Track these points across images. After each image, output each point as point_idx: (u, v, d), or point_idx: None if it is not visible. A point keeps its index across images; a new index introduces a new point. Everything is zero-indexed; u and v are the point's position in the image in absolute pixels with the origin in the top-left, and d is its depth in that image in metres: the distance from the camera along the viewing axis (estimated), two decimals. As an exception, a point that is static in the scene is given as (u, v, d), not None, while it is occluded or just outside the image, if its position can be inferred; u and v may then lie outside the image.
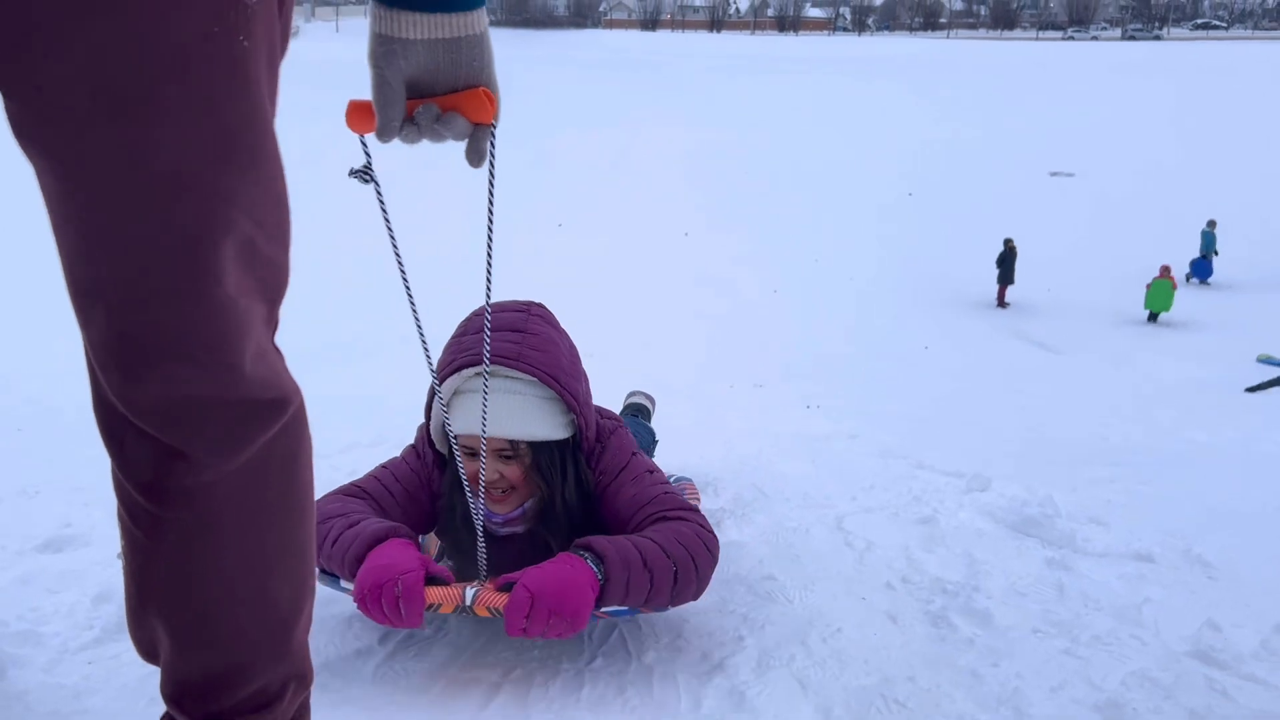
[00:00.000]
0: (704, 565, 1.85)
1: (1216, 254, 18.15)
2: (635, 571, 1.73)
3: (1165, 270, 16.05)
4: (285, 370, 1.10)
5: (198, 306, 0.94)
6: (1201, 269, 18.11)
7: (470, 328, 2.04)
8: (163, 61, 0.86)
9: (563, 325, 2.21)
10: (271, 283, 1.05)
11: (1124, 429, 5.08)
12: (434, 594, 1.69)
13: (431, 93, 1.10)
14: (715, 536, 1.93)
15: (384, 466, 2.13)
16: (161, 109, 0.87)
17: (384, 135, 1.09)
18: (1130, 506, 2.79)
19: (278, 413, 1.06)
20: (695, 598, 1.87)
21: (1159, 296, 15.82)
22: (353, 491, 2.03)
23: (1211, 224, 18.42)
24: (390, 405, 6.01)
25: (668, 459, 3.43)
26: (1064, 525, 2.54)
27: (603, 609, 1.78)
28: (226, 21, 0.88)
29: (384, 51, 1.07)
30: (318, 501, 2.36)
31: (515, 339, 1.94)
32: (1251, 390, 11.76)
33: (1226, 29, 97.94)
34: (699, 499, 2.60)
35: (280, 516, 1.12)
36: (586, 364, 2.15)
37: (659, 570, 1.76)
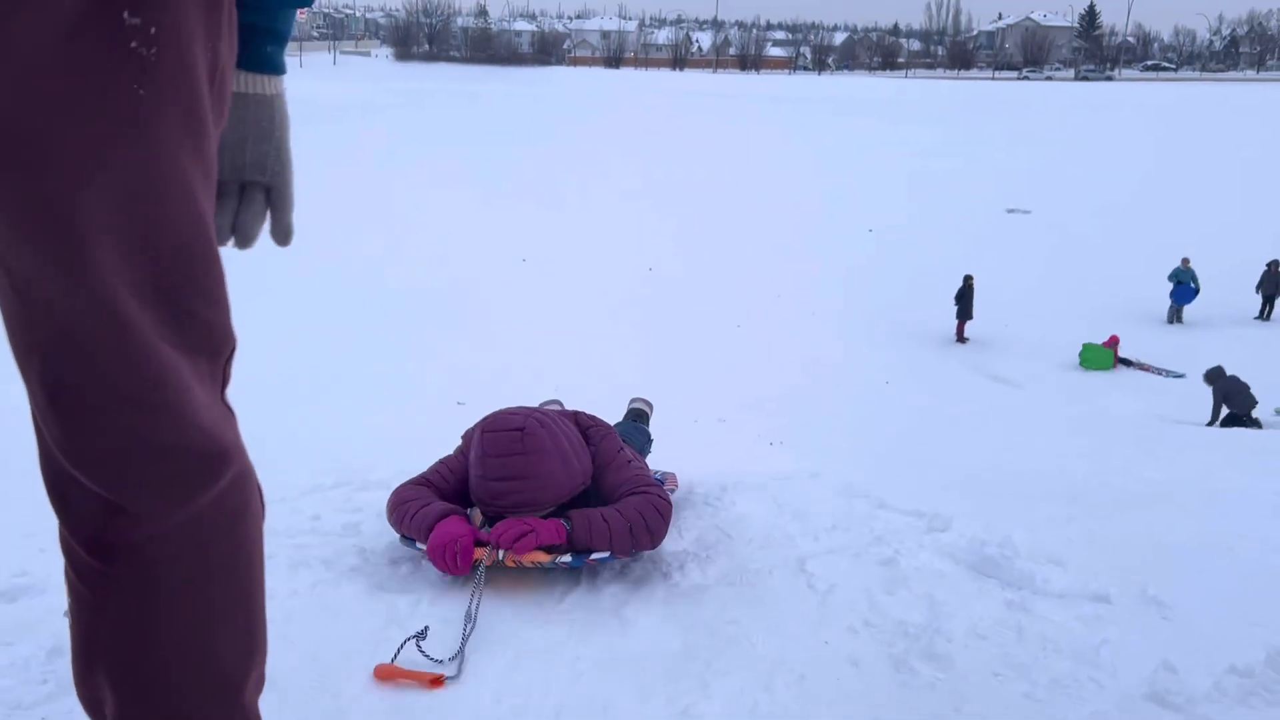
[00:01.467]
0: (655, 523, 2.54)
1: (1196, 287, 18.49)
2: (595, 525, 2.46)
3: (1113, 341, 16.14)
4: (232, 429, 1.09)
5: (128, 357, 0.93)
6: (1184, 294, 18.40)
7: (488, 473, 2.59)
8: (47, 106, 0.83)
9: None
10: (209, 341, 1.03)
11: (1081, 466, 5.15)
12: (478, 553, 2.41)
13: (220, 155, 1.08)
14: (668, 502, 2.62)
15: (442, 461, 2.88)
16: (51, 158, 0.85)
17: None
18: (1087, 545, 2.82)
19: (220, 467, 1.04)
20: (653, 546, 2.57)
21: (1095, 358, 15.97)
22: (421, 481, 2.79)
23: (1185, 262, 18.81)
24: (354, 445, 5.97)
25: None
26: (1023, 565, 2.56)
27: (591, 556, 2.45)
28: (111, 65, 0.86)
29: None
30: (398, 488, 2.74)
31: (516, 486, 2.53)
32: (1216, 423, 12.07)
33: (1175, 70, 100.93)
34: (677, 487, 3.44)
35: (227, 575, 1.10)
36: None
37: (615, 525, 2.47)
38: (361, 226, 23.08)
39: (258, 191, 1.13)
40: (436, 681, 1.94)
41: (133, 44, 0.86)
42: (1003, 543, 2.69)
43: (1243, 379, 12.40)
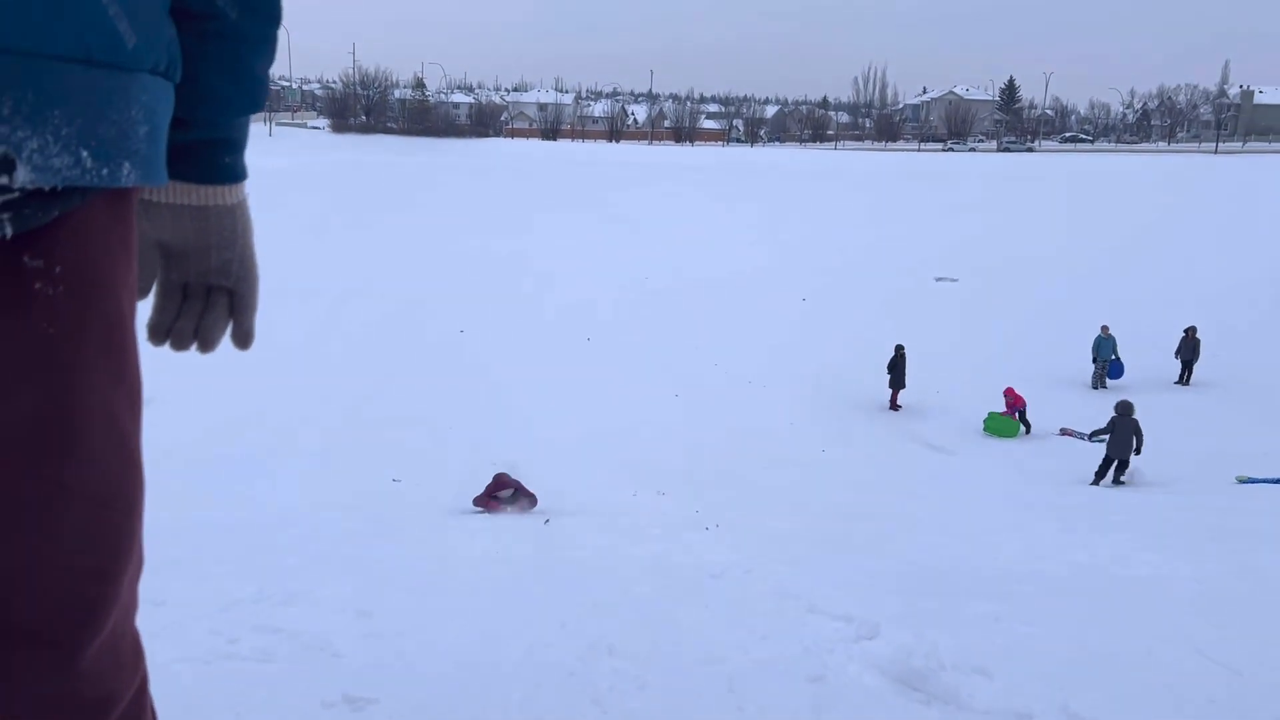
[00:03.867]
0: None
1: (1117, 356, 19.03)
2: None
3: (1009, 394, 16.45)
4: (131, 658, 1.02)
5: (15, 583, 0.88)
6: (1115, 370, 18.95)
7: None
8: None
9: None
10: (115, 559, 0.97)
11: (1009, 550, 5.24)
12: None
13: (184, 261, 1.08)
14: None
15: None
16: None
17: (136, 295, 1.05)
18: (1012, 652, 2.86)
19: (104, 713, 0.98)
20: None
21: (999, 427, 16.30)
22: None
23: (1104, 329, 19.37)
24: (281, 541, 5.82)
25: (567, 598, 3.39)
26: (949, 679, 2.59)
27: None
28: (14, 307, 0.83)
29: (139, 213, 1.03)
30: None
31: None
32: None
33: (1092, 142, 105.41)
34: None
35: None
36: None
37: None
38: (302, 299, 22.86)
39: (221, 296, 1.12)
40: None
41: (36, 285, 0.85)
42: (929, 652, 2.71)
43: (1140, 428, 12.93)
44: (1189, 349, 19.16)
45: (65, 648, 0.92)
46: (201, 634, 2.94)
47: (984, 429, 16.49)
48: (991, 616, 3.33)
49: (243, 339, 1.15)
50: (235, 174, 1.10)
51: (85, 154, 0.82)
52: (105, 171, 0.84)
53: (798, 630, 3.01)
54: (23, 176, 0.77)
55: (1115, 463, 13.07)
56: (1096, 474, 13.22)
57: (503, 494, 9.66)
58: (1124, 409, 13.21)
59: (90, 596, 0.94)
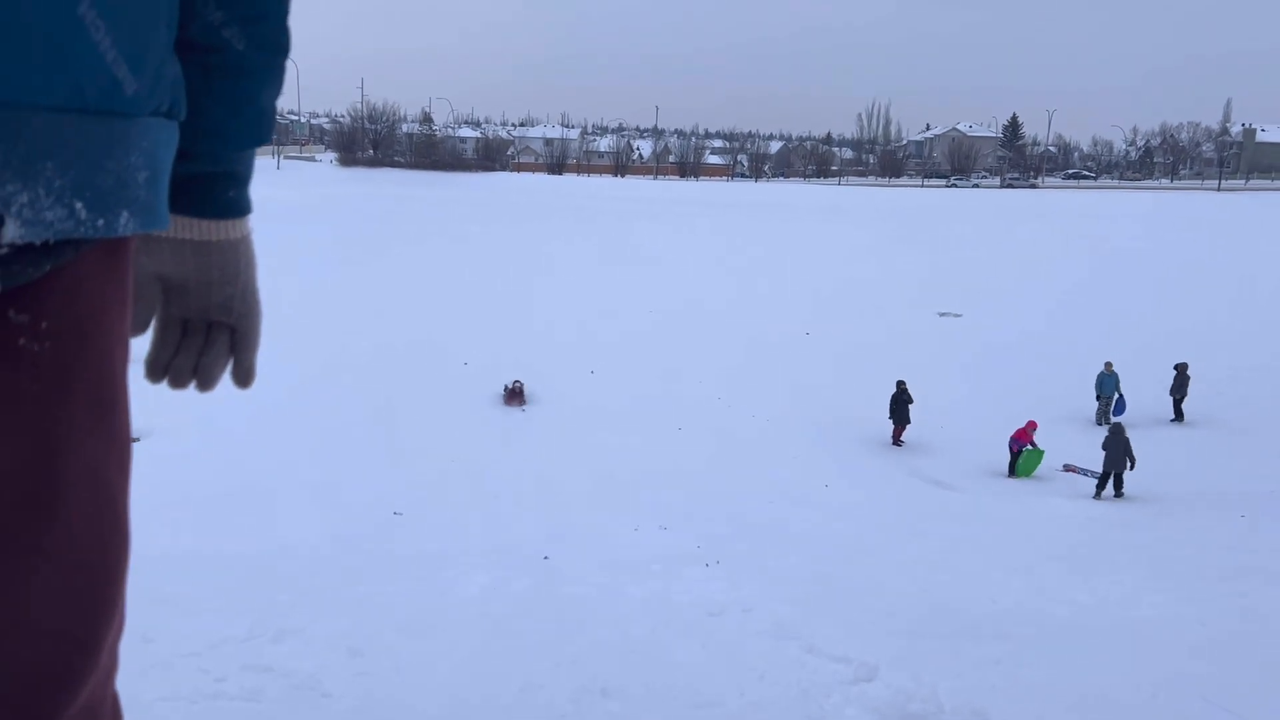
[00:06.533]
0: None
1: (1120, 393, 19.00)
2: None
3: (1031, 428, 16.42)
4: None
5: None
6: (1119, 408, 18.92)
7: None
8: None
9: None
10: (95, 627, 0.93)
11: (1013, 590, 5.18)
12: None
13: (184, 296, 1.05)
14: None
15: None
16: None
17: (134, 331, 1.01)
18: (1013, 696, 2.81)
19: None
20: None
21: (1030, 464, 16.29)
22: None
23: (1108, 365, 19.35)
24: (275, 576, 5.77)
25: (563, 638, 3.34)
26: (947, 723, 2.54)
27: None
28: None
29: (138, 246, 1.00)
30: None
31: None
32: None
33: (1095, 179, 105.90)
34: None
35: None
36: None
37: None
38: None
39: (222, 333, 1.09)
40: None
41: (20, 341, 0.82)
42: (928, 696, 2.66)
43: (1130, 445, 14.28)
44: (1179, 386, 19.11)
45: (39, 717, 0.89)
46: (189, 672, 2.90)
47: (1017, 473, 16.37)
48: (992, 659, 3.28)
49: (244, 377, 1.11)
50: (239, 208, 1.08)
51: (80, 205, 0.79)
52: (101, 222, 0.81)
53: (795, 671, 2.97)
54: (11, 232, 0.74)
55: (1111, 476, 14.30)
56: (1097, 487, 14.53)
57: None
58: (1116, 429, 14.69)
59: (67, 665, 0.90)
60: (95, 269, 0.87)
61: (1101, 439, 15.51)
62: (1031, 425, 16.37)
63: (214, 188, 1.05)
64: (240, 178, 1.08)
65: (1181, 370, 19.10)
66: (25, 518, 0.84)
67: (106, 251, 0.88)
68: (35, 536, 0.85)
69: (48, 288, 0.83)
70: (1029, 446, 16.31)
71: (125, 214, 0.84)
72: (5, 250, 0.77)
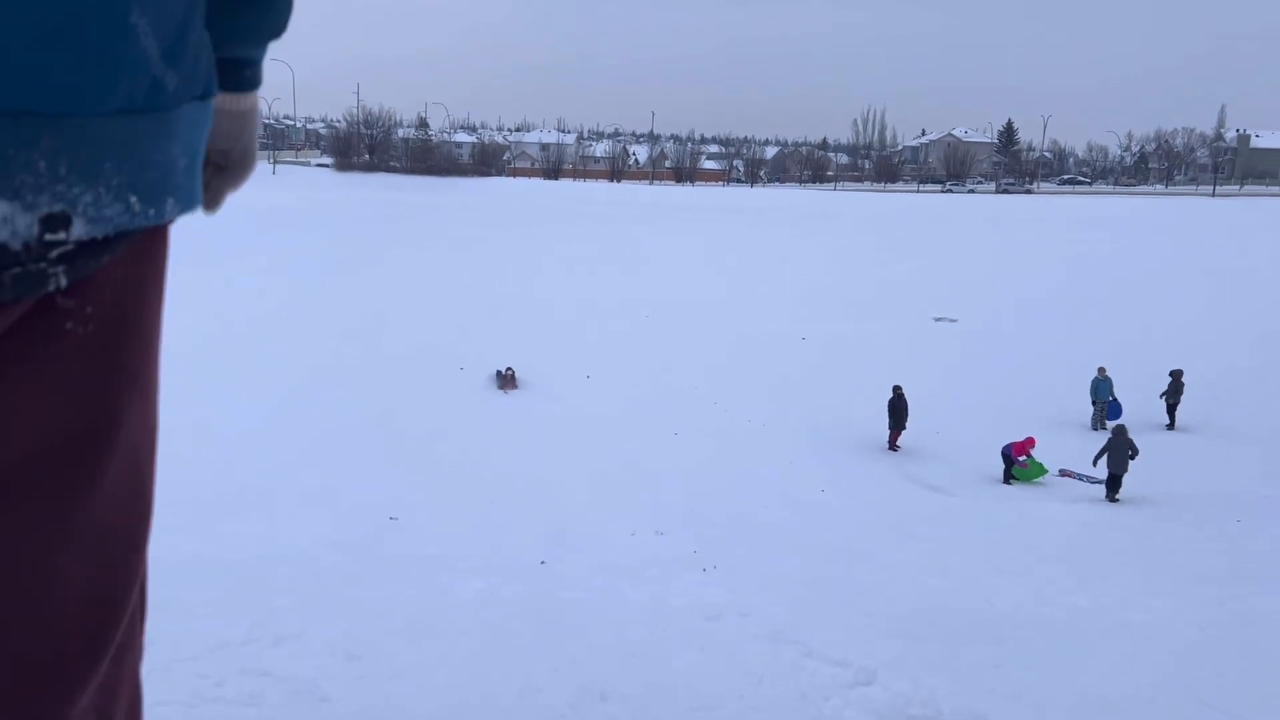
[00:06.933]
0: None
1: (1115, 398, 19.01)
2: None
3: (1029, 444, 16.42)
4: (129, 705, 1.01)
5: (17, 613, 0.88)
6: (1114, 410, 18.92)
7: None
8: None
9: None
10: (119, 595, 0.97)
11: (1010, 593, 5.19)
12: None
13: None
14: None
15: None
16: None
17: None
18: (1012, 699, 2.82)
19: None
20: None
21: (1033, 472, 16.31)
22: None
23: (1101, 371, 19.36)
24: (273, 580, 5.76)
25: (561, 642, 3.34)
26: (946, 727, 2.55)
27: None
28: (46, 345, 0.86)
29: None
30: None
31: None
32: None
33: (1090, 184, 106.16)
34: None
35: None
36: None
37: None
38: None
39: (208, 168, 1.12)
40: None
41: (68, 325, 0.87)
42: (927, 700, 2.67)
43: (1134, 442, 14.58)
44: (1173, 392, 19.12)
45: (63, 682, 0.93)
46: (188, 676, 2.90)
47: (1021, 477, 16.37)
48: (991, 663, 3.28)
49: (211, 202, 1.14)
50: (251, 83, 1.13)
51: (134, 199, 0.84)
52: (151, 212, 0.87)
53: (794, 675, 2.97)
54: (79, 229, 0.80)
55: (1119, 478, 14.47)
56: (1107, 489, 14.61)
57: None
58: (1119, 430, 14.84)
59: (91, 631, 0.95)
60: (137, 255, 0.94)
61: (1098, 443, 15.54)
62: (1030, 442, 16.35)
63: (236, 68, 1.10)
64: (255, 60, 1.13)
65: (1176, 377, 19.13)
66: (70, 487, 0.90)
67: (146, 238, 0.94)
68: (78, 505, 0.90)
69: (93, 274, 0.88)
70: (1028, 458, 16.31)
71: (170, 201, 0.90)
72: (72, 246, 0.82)
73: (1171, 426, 19.18)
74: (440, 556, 8.43)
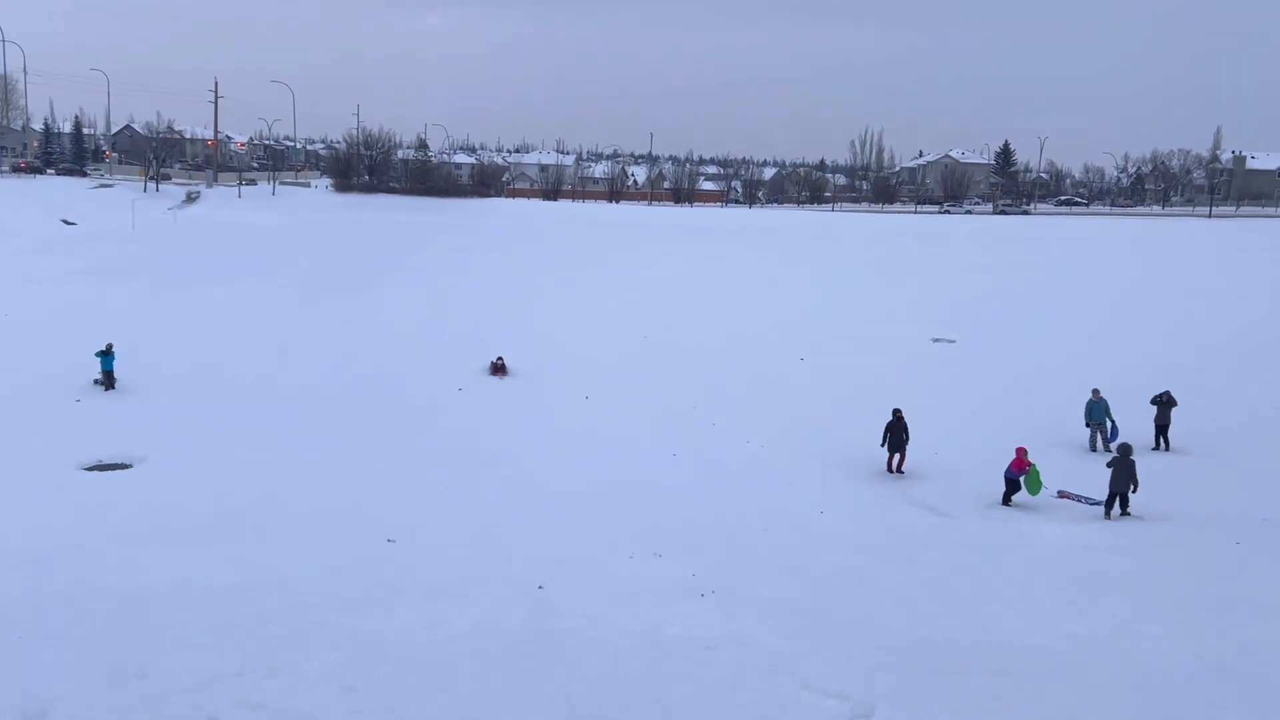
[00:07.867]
0: None
1: (1111, 419, 18.97)
2: None
3: (1021, 454, 16.40)
4: None
5: None
6: (1113, 432, 18.90)
7: None
8: None
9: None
10: None
11: (1007, 621, 5.16)
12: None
13: None
14: None
15: None
16: None
17: None
18: (1009, 734, 2.80)
19: None
20: None
21: (1035, 483, 16.29)
22: None
23: (1095, 393, 19.31)
24: (268, 607, 5.72)
25: (556, 674, 3.32)
26: (945, 763, 2.53)
27: None
28: None
29: None
30: None
31: None
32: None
33: (1087, 205, 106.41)
34: None
35: None
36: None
37: None
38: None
39: None
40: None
41: None
42: (925, 735, 2.65)
43: (1135, 468, 14.48)
44: (1163, 414, 19.09)
45: None
46: (182, 709, 2.88)
47: (1028, 488, 16.33)
48: (990, 695, 3.26)
49: None
50: None
51: None
52: None
53: (791, 709, 2.95)
54: None
55: (1119, 496, 14.49)
56: (1106, 507, 14.65)
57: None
58: (1124, 450, 14.69)
59: None
60: None
61: (1096, 464, 15.49)
62: (1021, 451, 16.35)
63: None
64: None
65: (1167, 399, 19.11)
66: None
67: None
68: None
69: None
70: (1027, 470, 16.26)
71: None
72: None
73: (1161, 447, 19.13)
74: (435, 583, 8.39)
